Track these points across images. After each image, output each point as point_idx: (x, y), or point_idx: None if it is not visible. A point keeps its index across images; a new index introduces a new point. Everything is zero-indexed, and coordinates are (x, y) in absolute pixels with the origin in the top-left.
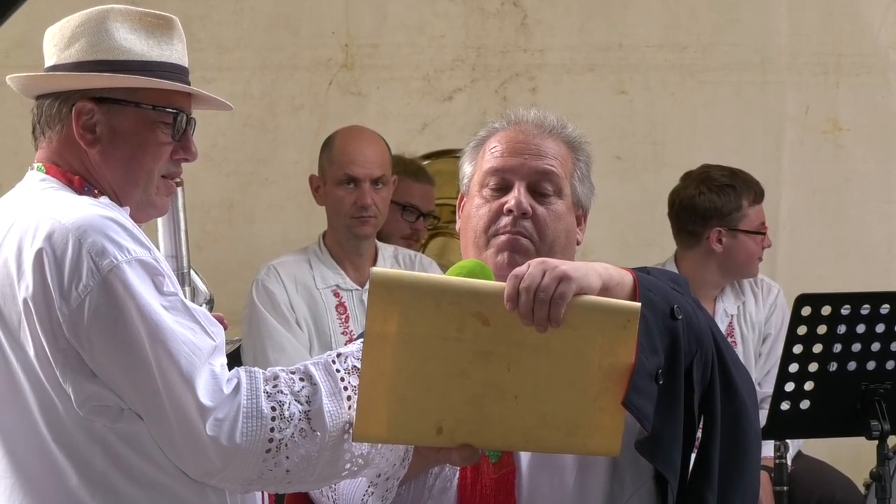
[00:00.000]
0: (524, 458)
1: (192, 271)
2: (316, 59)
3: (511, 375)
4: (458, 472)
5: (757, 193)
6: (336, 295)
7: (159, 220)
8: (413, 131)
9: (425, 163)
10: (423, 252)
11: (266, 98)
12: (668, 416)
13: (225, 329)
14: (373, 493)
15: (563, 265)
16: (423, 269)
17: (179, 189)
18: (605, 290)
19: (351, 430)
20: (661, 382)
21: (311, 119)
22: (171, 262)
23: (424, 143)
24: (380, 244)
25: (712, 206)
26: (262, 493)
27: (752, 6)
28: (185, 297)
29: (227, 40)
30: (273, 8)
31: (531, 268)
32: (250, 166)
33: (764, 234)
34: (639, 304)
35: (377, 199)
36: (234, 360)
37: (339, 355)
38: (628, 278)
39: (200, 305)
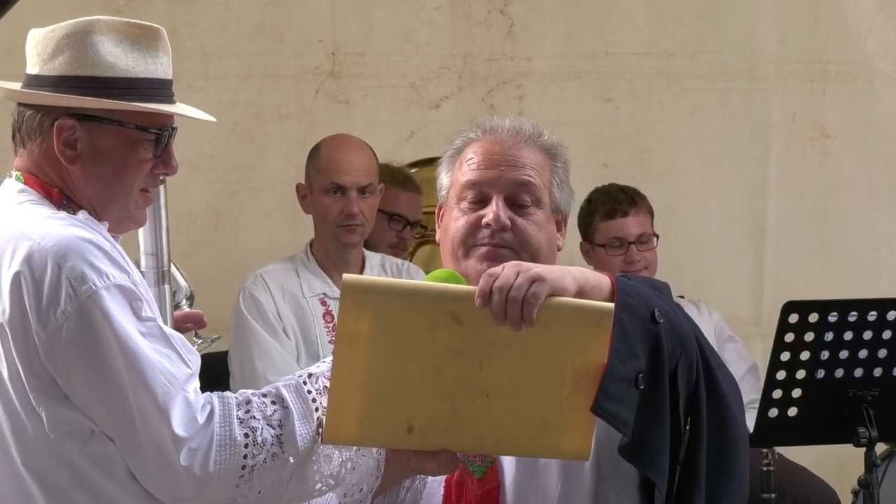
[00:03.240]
0: (508, 474)
1: (175, 267)
2: (302, 67)
3: (483, 373)
4: (426, 484)
5: (612, 209)
6: (323, 303)
7: None
8: (400, 139)
9: (412, 171)
10: (410, 261)
11: (252, 106)
12: (653, 421)
13: (204, 327)
14: None
15: (538, 267)
16: (411, 277)
17: (161, 187)
18: (581, 294)
19: (319, 450)
20: (642, 387)
21: (298, 127)
22: (152, 260)
23: (411, 151)
24: (367, 252)
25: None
26: None
27: (738, 13)
28: (166, 299)
29: (213, 48)
30: (259, 16)
31: (506, 269)
32: (237, 174)
33: (622, 245)
34: (612, 305)
35: (364, 207)
36: (222, 366)
37: (310, 376)
38: (606, 282)
39: (181, 301)
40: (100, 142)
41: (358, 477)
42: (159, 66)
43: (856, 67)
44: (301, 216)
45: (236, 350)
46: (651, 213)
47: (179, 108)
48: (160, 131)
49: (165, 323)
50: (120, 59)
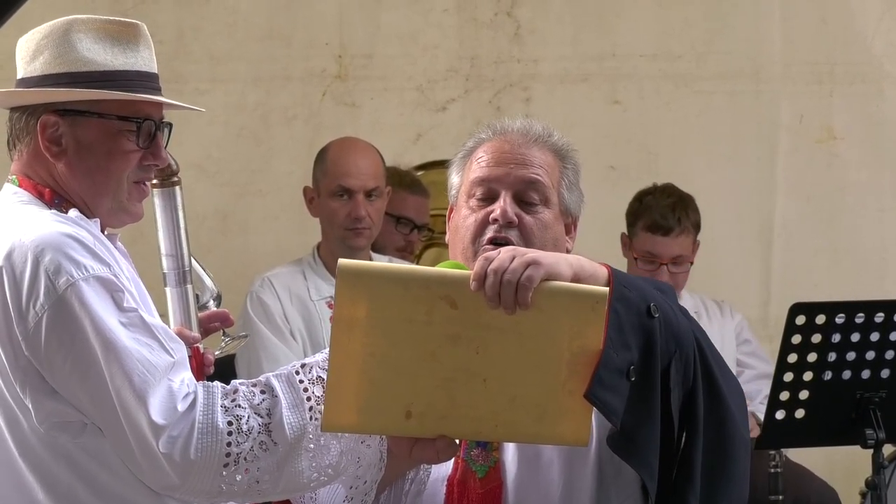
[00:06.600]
0: (511, 473)
1: (200, 268)
2: (309, 69)
3: (480, 358)
4: (431, 474)
5: (655, 225)
6: (331, 306)
7: (158, 219)
8: (407, 142)
9: (419, 173)
10: (417, 264)
11: (260, 109)
12: (643, 415)
13: (230, 325)
14: (352, 499)
15: (533, 252)
16: None
17: (178, 188)
18: (577, 281)
19: (315, 440)
20: (633, 379)
21: (305, 130)
22: (171, 261)
23: (418, 153)
24: (374, 255)
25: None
26: None
27: (745, 15)
28: (189, 299)
29: (220, 51)
30: (266, 19)
31: (502, 253)
32: (244, 177)
33: (653, 263)
34: (606, 289)
35: (371, 210)
36: (229, 369)
37: (303, 366)
38: (602, 271)
39: (207, 302)
40: (83, 135)
41: (363, 469)
42: (140, 60)
43: (863, 69)
44: (308, 219)
45: (244, 353)
46: (697, 228)
47: (160, 97)
48: (142, 121)
49: (188, 322)
50: (98, 55)
